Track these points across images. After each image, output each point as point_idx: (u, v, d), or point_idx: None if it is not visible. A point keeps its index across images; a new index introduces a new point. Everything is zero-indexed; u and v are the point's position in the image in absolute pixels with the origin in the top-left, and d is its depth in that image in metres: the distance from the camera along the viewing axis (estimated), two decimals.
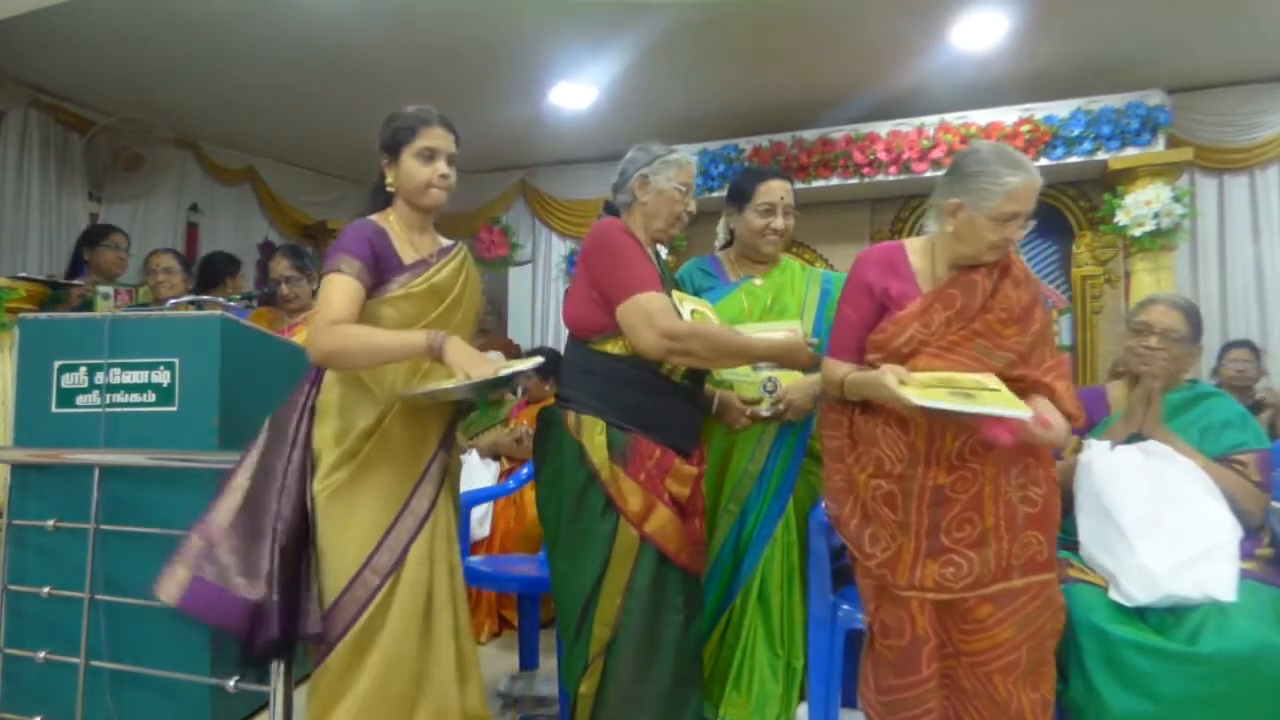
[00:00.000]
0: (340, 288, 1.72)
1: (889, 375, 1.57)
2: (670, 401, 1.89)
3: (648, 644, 1.80)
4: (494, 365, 1.66)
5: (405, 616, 1.74)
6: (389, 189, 1.88)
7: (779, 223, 2.26)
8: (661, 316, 1.79)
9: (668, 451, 1.86)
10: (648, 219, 1.98)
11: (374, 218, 1.86)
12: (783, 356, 1.95)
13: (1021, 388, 1.64)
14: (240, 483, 1.78)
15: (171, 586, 1.73)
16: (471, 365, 1.64)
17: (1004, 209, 1.62)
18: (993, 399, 1.53)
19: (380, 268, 1.79)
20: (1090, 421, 2.08)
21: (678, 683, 1.84)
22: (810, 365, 1.98)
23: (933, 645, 1.66)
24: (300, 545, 1.74)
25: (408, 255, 1.84)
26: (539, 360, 1.86)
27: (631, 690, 1.80)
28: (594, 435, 1.84)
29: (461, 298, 1.89)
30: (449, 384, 1.65)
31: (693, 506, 1.93)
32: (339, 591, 1.72)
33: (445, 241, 1.96)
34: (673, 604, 1.84)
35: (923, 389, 1.54)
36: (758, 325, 2.19)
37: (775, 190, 2.26)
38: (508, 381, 1.75)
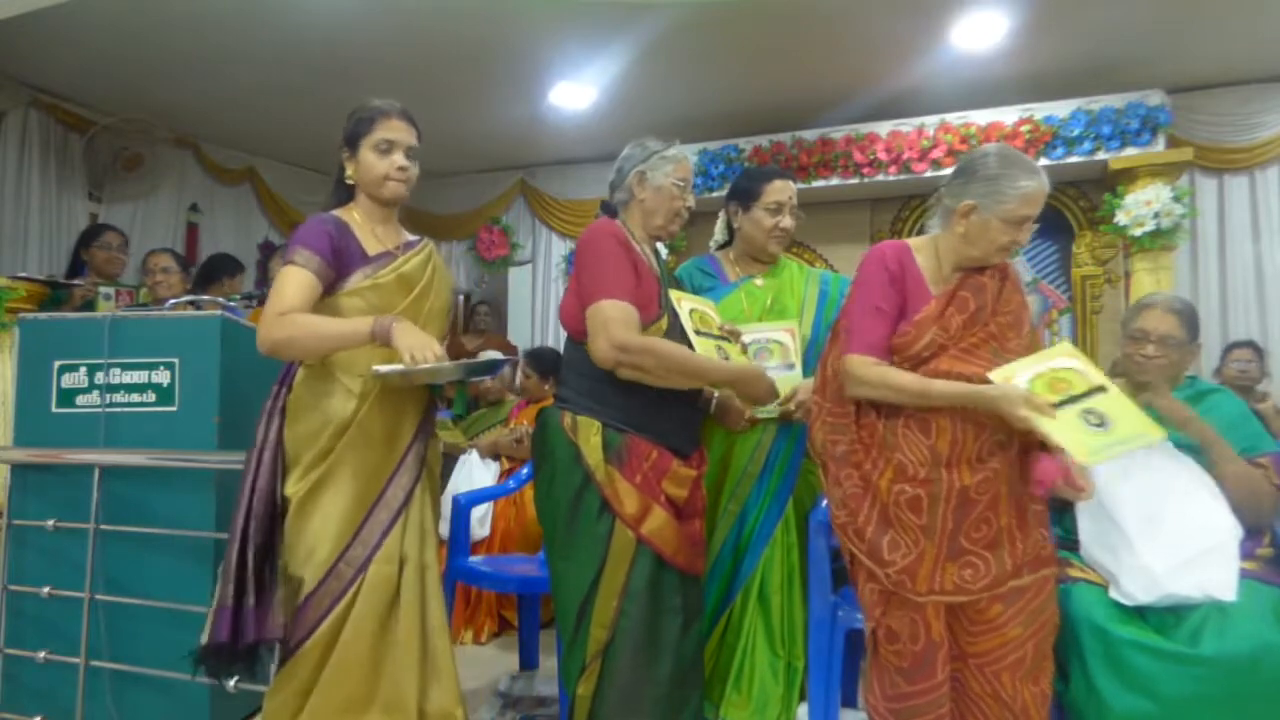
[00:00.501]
0: (293, 280, 1.70)
1: (1023, 407, 1.50)
2: (667, 402, 1.87)
3: (646, 646, 1.80)
4: (442, 351, 1.64)
5: (362, 618, 1.73)
6: (349, 182, 1.87)
7: (787, 221, 2.26)
8: (616, 326, 1.77)
9: (665, 453, 1.85)
10: (646, 216, 1.98)
11: (336, 212, 1.85)
12: (740, 384, 1.89)
13: None
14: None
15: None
16: (419, 348, 1.61)
17: (1018, 212, 1.64)
18: (1129, 421, 1.52)
19: (342, 261, 1.77)
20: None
21: (676, 684, 1.83)
22: (769, 396, 1.93)
23: (946, 649, 1.66)
24: (270, 546, 1.73)
25: (371, 247, 1.83)
26: (498, 355, 1.86)
27: (630, 692, 1.79)
28: (590, 436, 1.83)
29: (430, 289, 1.88)
30: (429, 364, 1.62)
31: (691, 507, 1.92)
32: (313, 585, 1.72)
33: (410, 236, 1.95)
34: (670, 606, 1.84)
35: (1057, 419, 1.50)
36: (756, 326, 2.20)
37: (783, 190, 2.26)
38: (490, 369, 1.75)
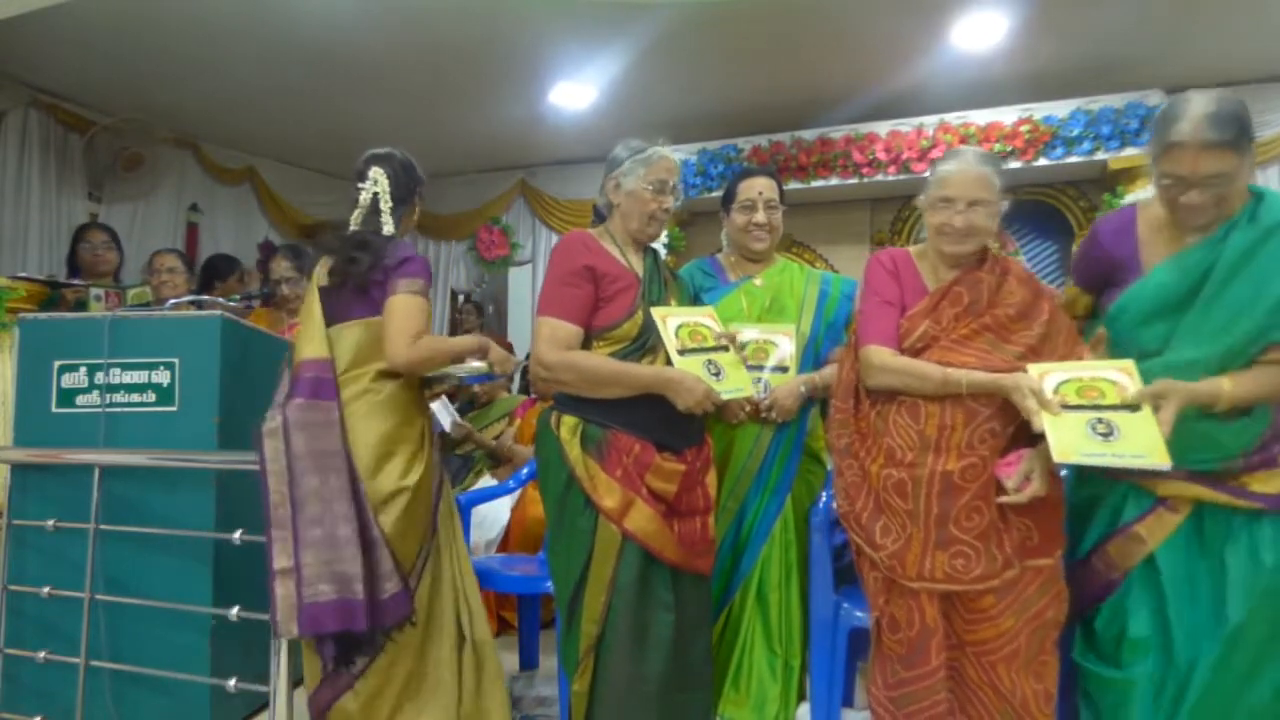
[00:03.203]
0: (421, 308, 1.99)
1: (1030, 399, 1.55)
2: (650, 397, 1.85)
3: (636, 642, 1.81)
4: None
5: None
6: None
7: (760, 217, 2.27)
8: (542, 344, 1.89)
9: (648, 447, 1.85)
10: (624, 220, 2.00)
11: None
12: (662, 388, 1.83)
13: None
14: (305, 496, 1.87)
15: (290, 623, 1.81)
16: (499, 354, 2.11)
17: (938, 195, 1.76)
18: (1139, 440, 1.49)
19: None
20: (1112, 267, 1.73)
21: (677, 686, 1.83)
22: (699, 400, 1.81)
23: (941, 636, 1.67)
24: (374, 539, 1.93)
25: None
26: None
27: (623, 689, 1.80)
28: (571, 433, 1.88)
29: None
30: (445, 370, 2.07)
31: (689, 505, 1.91)
32: (418, 558, 1.98)
33: None
34: (662, 602, 1.84)
35: (1060, 416, 1.54)
36: (755, 326, 2.21)
37: (754, 186, 2.29)
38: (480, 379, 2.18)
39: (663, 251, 2.21)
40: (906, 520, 1.68)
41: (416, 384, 2.07)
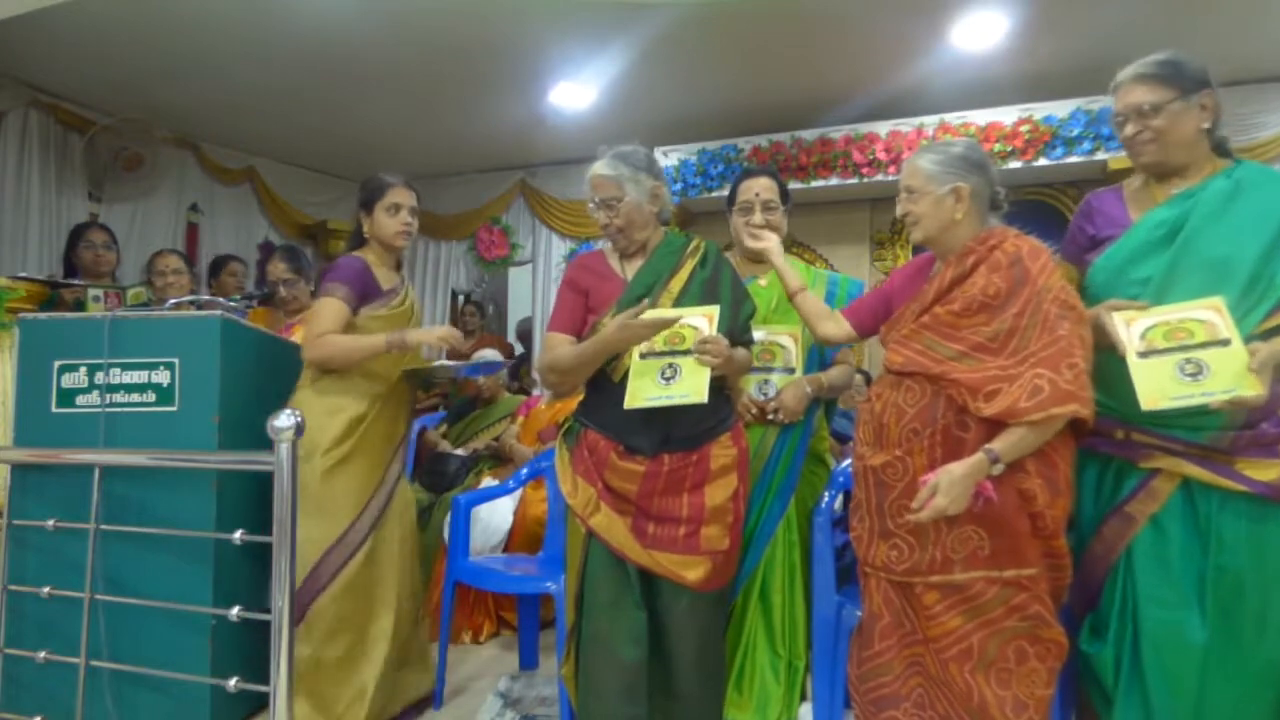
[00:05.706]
0: (331, 308, 2.23)
1: (1122, 332, 1.59)
2: (614, 398, 1.84)
3: (604, 633, 1.83)
4: (442, 333, 2.27)
5: (378, 571, 2.29)
6: (365, 235, 2.40)
7: (758, 218, 2.28)
8: (542, 352, 2.06)
9: (609, 444, 1.87)
10: None
11: (358, 253, 2.36)
12: (610, 347, 1.82)
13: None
14: None
15: None
16: (436, 339, 2.25)
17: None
18: (1227, 375, 1.50)
19: (367, 292, 2.31)
20: (1094, 239, 1.82)
21: (661, 691, 1.85)
22: (639, 334, 1.77)
23: (886, 623, 1.72)
24: None
25: (385, 282, 2.36)
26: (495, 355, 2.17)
27: (599, 678, 1.82)
28: (563, 432, 2.00)
29: (418, 317, 2.50)
30: (440, 363, 2.36)
31: (665, 510, 1.86)
32: (330, 544, 2.19)
33: (398, 274, 2.47)
34: (632, 599, 1.83)
35: (1147, 362, 1.56)
36: (758, 328, 2.20)
37: (751, 188, 2.30)
38: (488, 369, 2.44)
39: None
40: (858, 507, 1.79)
41: (356, 375, 2.26)
